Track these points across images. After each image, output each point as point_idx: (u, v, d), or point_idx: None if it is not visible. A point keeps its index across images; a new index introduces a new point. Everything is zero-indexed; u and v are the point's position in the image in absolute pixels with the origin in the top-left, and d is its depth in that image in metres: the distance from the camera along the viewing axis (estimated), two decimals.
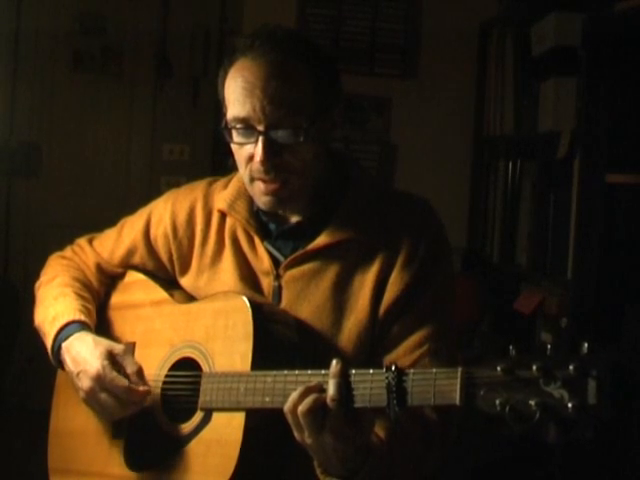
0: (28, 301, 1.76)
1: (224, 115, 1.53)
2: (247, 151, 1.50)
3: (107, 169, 4.09)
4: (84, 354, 1.57)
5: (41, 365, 1.78)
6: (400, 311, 1.51)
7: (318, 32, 3.75)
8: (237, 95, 1.48)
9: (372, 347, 1.51)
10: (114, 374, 1.54)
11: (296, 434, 1.34)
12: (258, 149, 1.47)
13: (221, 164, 3.77)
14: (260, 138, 1.46)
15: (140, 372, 1.56)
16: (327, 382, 1.32)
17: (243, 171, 1.53)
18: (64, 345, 1.62)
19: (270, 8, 3.73)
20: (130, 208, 1.80)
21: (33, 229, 4.00)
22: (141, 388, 1.54)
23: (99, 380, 1.54)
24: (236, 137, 1.51)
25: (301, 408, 1.32)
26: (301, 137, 1.47)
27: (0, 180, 4.01)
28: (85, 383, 1.56)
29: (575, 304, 2.55)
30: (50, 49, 4.00)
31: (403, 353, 1.50)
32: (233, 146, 1.53)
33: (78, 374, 1.57)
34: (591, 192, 2.48)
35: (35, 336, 1.71)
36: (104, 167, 4.09)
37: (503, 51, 3.52)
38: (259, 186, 1.51)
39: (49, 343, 1.65)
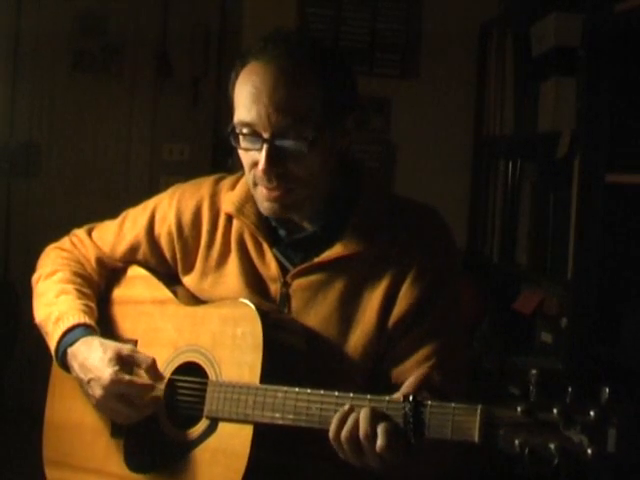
0: (28, 301, 1.75)
1: (232, 118, 1.50)
2: (252, 157, 1.48)
3: (107, 169, 4.08)
4: (92, 360, 1.55)
5: (41, 365, 1.77)
6: (410, 324, 1.49)
7: (318, 32, 3.74)
8: (244, 100, 1.46)
9: (378, 359, 1.50)
10: (127, 379, 1.52)
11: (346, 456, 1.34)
12: (262, 157, 1.44)
13: (221, 164, 3.77)
14: (264, 146, 1.44)
15: (155, 365, 1.55)
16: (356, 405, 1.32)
17: (248, 175, 1.51)
18: (70, 350, 1.59)
19: (270, 8, 3.72)
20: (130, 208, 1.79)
21: (33, 229, 3.99)
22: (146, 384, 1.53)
23: (112, 387, 1.52)
24: (242, 142, 1.49)
25: (344, 434, 1.31)
26: (306, 148, 1.44)
27: (0, 180, 4.00)
28: (97, 391, 1.54)
29: (575, 304, 2.55)
30: (50, 49, 3.99)
31: (411, 366, 1.48)
32: (239, 150, 1.51)
33: (89, 382, 1.55)
34: (591, 192, 2.47)
35: (35, 336, 1.70)
36: (104, 167, 4.08)
37: (503, 51, 3.52)
38: (262, 191, 1.49)
39: (53, 345, 1.62)
